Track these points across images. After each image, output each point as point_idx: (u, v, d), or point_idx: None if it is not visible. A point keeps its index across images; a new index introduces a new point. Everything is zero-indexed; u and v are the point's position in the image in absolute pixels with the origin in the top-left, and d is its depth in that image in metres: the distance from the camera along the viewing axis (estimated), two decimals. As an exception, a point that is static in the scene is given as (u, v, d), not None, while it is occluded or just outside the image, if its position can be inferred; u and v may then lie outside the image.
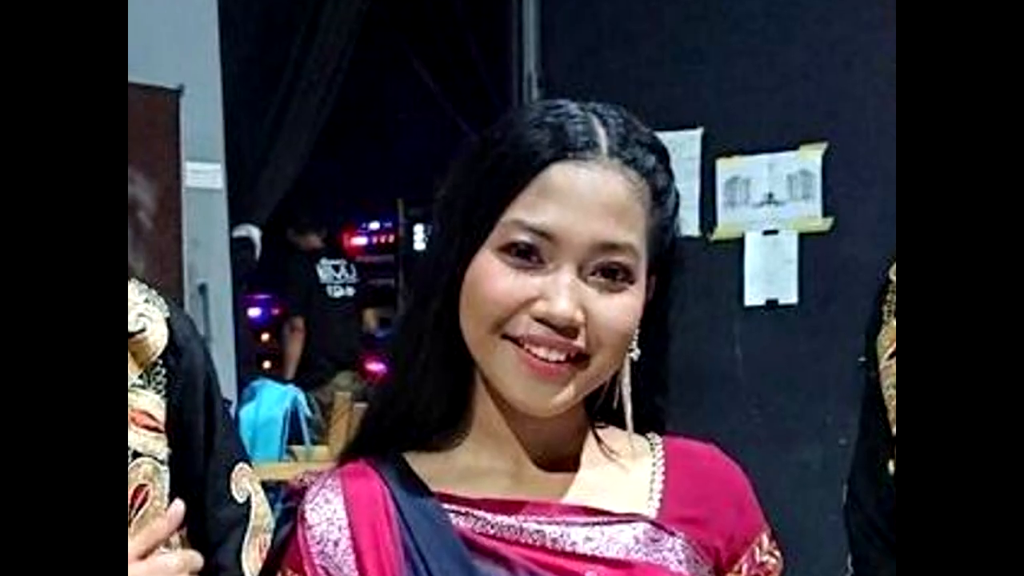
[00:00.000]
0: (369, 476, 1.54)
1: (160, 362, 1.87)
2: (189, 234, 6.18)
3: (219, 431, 1.97)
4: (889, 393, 1.88)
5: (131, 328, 1.86)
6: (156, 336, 1.88)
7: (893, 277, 1.88)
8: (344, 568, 1.48)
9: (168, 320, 1.90)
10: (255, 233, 8.44)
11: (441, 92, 10.04)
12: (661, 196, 1.50)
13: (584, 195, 1.43)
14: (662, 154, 1.52)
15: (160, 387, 1.87)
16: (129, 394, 1.82)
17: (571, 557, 1.47)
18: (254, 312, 9.43)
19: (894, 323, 1.86)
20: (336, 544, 1.49)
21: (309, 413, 6.74)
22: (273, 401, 6.53)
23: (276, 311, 9.52)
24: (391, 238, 10.61)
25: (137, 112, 5.62)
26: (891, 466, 1.84)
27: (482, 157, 1.49)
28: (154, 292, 1.93)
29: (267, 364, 9.00)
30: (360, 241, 10.69)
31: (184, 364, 1.91)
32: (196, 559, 1.65)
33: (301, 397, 6.74)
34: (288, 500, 1.58)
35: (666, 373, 1.62)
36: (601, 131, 1.46)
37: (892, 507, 1.83)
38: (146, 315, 1.89)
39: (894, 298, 1.88)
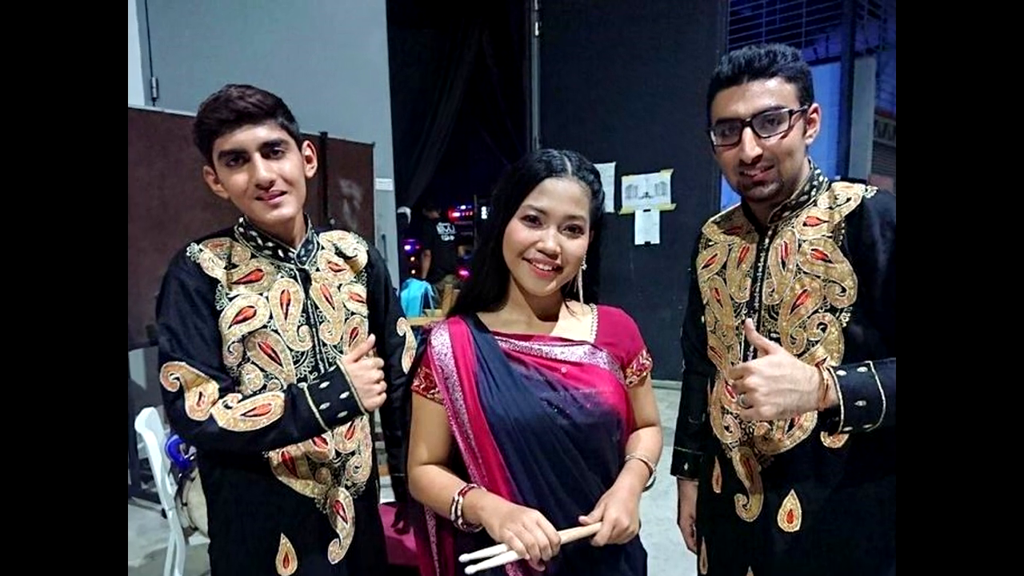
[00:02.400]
0: (460, 323, 1.51)
1: (365, 271, 1.78)
2: (376, 211, 5.88)
3: (391, 302, 1.87)
4: (701, 285, 1.73)
5: (350, 254, 1.77)
6: (362, 257, 1.78)
7: (703, 230, 1.75)
8: (449, 367, 1.46)
9: (368, 251, 1.80)
10: (407, 211, 8.42)
11: (494, 145, 9.91)
12: (597, 194, 1.47)
13: (561, 193, 1.41)
14: (597, 174, 1.48)
15: (364, 281, 1.77)
16: (349, 285, 1.73)
17: (555, 361, 1.46)
18: (407, 247, 9.22)
19: (702, 251, 1.72)
20: (446, 356, 1.47)
21: (433, 294, 6.40)
22: (416, 289, 6.29)
23: (417, 247, 9.36)
24: (471, 212, 10.39)
25: (354, 155, 5.57)
26: (702, 319, 1.73)
27: (512, 175, 1.46)
28: (360, 238, 1.83)
29: (413, 272, 8.64)
30: (456, 214, 10.50)
31: (376, 272, 1.81)
32: (379, 361, 1.56)
33: (429, 287, 6.45)
34: (424, 335, 1.53)
35: (598, 275, 1.57)
36: (568, 163, 1.43)
37: (702, 337, 1.74)
38: (357, 248, 1.79)
39: (703, 240, 1.74)
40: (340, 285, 1.72)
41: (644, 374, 1.59)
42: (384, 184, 6.29)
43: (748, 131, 1.44)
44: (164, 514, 2.74)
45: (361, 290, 1.77)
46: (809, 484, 1.50)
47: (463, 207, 10.63)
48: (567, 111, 7.32)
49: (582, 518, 1.38)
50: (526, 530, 1.28)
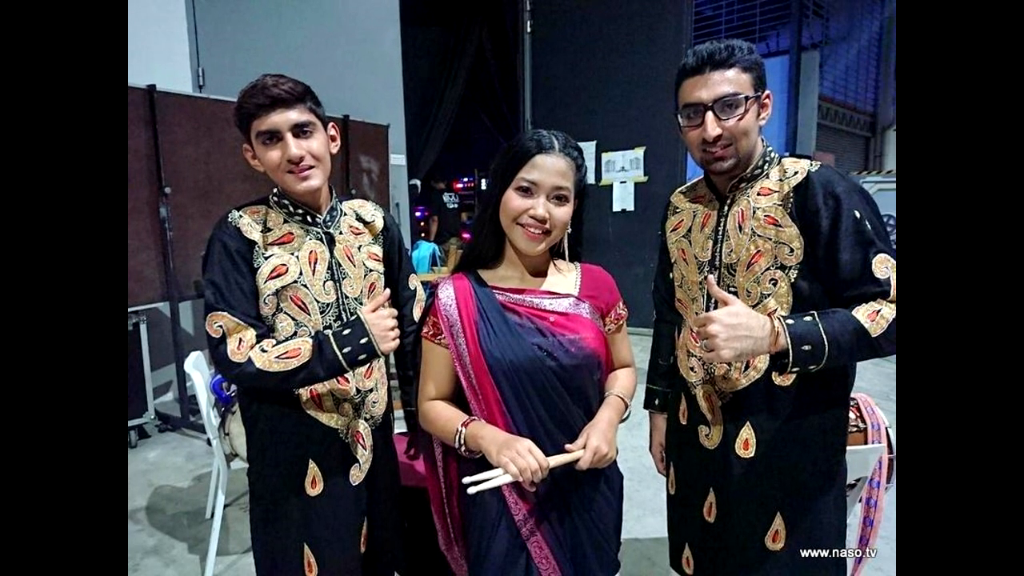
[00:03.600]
0: (463, 279, 1.49)
1: (382, 234, 1.76)
2: (391, 183, 5.88)
3: (404, 260, 1.84)
4: (669, 246, 1.70)
5: (368, 219, 1.75)
6: (379, 222, 1.76)
7: (671, 199, 1.73)
8: (453, 315, 1.44)
9: (384, 217, 1.78)
10: (417, 182, 8.40)
11: (492, 126, 9.83)
12: (580, 168, 1.44)
13: (549, 168, 1.39)
14: (580, 150, 1.45)
15: (380, 243, 1.75)
16: (368, 246, 1.72)
17: (544, 311, 1.44)
18: (417, 214, 9.24)
19: (670, 217, 1.70)
20: (450, 307, 1.45)
21: (440, 254, 6.39)
22: (425, 249, 6.26)
23: (426, 213, 9.32)
24: (472, 184, 10.34)
25: (372, 135, 5.58)
26: (670, 275, 1.71)
27: (507, 151, 1.43)
28: (378, 206, 1.80)
29: (423, 235, 8.62)
30: (460, 185, 10.46)
31: (391, 235, 1.79)
32: (394, 311, 1.56)
33: (436, 248, 6.44)
34: (432, 289, 1.52)
35: (581, 238, 1.54)
36: (556, 141, 1.41)
37: (671, 291, 1.72)
38: (375, 215, 1.77)
39: (672, 207, 1.71)
40: (360, 246, 1.71)
41: (621, 323, 1.57)
42: (398, 160, 6.27)
43: (710, 114, 1.43)
44: (209, 443, 2.74)
45: (378, 250, 1.76)
46: (762, 416, 1.51)
47: (466, 179, 10.57)
48: (555, 96, 7.27)
49: (567, 446, 1.37)
50: (520, 456, 1.28)
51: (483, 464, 1.35)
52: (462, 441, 1.39)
